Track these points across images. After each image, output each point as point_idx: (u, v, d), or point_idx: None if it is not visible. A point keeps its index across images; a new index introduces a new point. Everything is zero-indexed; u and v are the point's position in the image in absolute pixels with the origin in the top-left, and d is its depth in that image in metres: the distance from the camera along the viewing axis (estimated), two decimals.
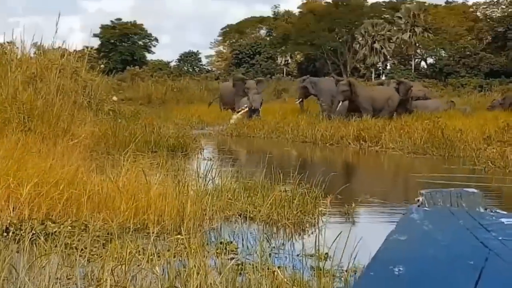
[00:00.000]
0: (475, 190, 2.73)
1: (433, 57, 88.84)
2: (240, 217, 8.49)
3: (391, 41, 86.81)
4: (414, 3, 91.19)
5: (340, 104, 27.12)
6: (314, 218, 8.77)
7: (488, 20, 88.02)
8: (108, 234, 6.66)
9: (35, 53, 16.28)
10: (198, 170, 9.98)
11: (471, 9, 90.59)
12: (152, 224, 7.18)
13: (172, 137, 17.13)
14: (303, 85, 28.52)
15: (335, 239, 5.77)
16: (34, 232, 6.45)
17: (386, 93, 28.13)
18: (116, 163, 9.45)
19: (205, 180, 9.44)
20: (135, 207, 7.36)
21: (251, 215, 8.51)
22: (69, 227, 6.81)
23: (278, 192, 9.02)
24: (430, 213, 2.51)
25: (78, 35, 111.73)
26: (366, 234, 6.57)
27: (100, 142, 13.41)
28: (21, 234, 6.37)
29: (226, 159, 16.22)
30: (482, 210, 2.68)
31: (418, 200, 2.75)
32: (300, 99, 28.95)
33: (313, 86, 28.18)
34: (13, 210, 7.04)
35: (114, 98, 22.82)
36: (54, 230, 6.72)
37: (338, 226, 8.68)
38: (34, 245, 5.97)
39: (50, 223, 6.94)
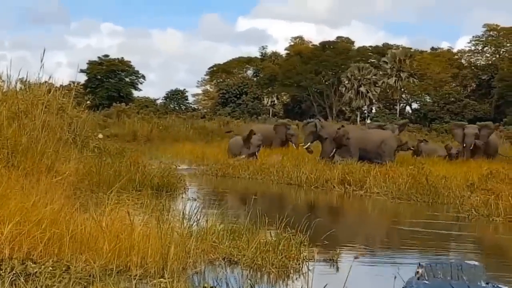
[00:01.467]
0: (477, 263, 2.68)
1: (418, 102, 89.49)
2: (224, 260, 8.40)
3: (376, 85, 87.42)
4: (400, 48, 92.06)
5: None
6: (299, 264, 8.69)
7: (473, 67, 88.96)
8: (90, 276, 6.55)
9: (21, 88, 16.17)
10: (183, 211, 9.87)
11: (456, 57, 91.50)
12: (135, 267, 7.08)
13: (157, 176, 17.04)
14: (312, 130, 27.75)
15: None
16: (15, 272, 6.33)
17: (379, 136, 27.56)
18: (100, 201, 9.35)
19: (190, 221, 9.35)
20: (118, 248, 7.26)
21: (236, 259, 8.42)
22: (50, 268, 6.70)
23: (263, 236, 8.95)
24: (430, 287, 2.46)
25: (65, 70, 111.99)
26: (351, 282, 6.50)
27: (84, 180, 13.29)
28: (0, 274, 6.25)
29: (211, 200, 16.12)
30: (483, 284, 2.63)
31: (418, 272, 2.70)
32: (309, 144, 28.04)
33: (322, 129, 27.61)
34: None
35: (100, 135, 22.68)
36: (35, 270, 6.60)
37: (323, 272, 8.60)
38: (14, 286, 5.86)
39: (31, 263, 6.82)
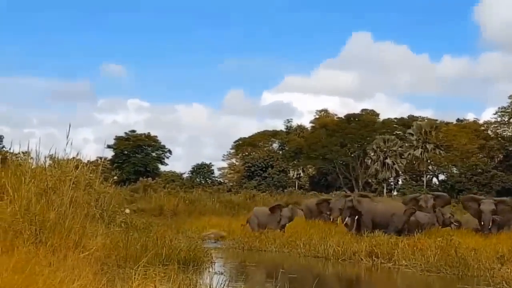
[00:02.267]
0: None
1: (444, 173, 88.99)
2: None
3: (402, 157, 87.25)
4: (426, 120, 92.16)
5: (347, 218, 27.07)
6: None
7: (499, 138, 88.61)
8: None
9: (49, 164, 16.36)
10: (210, 285, 9.83)
11: (482, 128, 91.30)
12: None
13: (183, 250, 17.00)
14: (351, 205, 27.55)
15: None
16: None
17: (391, 208, 27.46)
18: (127, 276, 9.35)
19: None
20: None
21: None
22: None
23: None
24: None
25: (92, 146, 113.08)
26: None
27: (111, 255, 13.30)
28: None
29: (238, 273, 16.02)
30: None
31: None
32: (346, 218, 27.71)
33: (359, 204, 27.44)
34: None
35: (127, 210, 22.77)
36: None
37: None
38: None
39: None
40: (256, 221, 30.45)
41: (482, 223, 27.24)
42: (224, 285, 9.92)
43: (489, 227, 26.91)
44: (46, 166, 15.66)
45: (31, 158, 16.05)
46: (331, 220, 31.55)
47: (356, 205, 27.13)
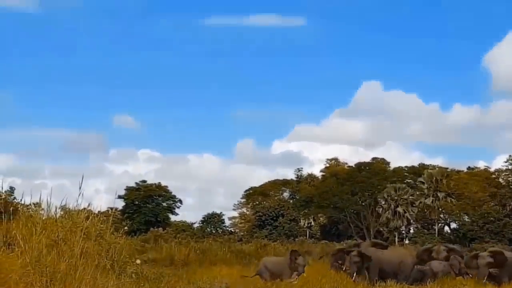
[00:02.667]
0: None
1: (456, 222, 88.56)
2: None
3: (414, 205, 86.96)
4: (437, 168, 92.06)
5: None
6: None
7: (511, 186, 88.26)
8: None
9: (60, 215, 16.42)
10: None
11: (493, 176, 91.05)
12: None
13: None
14: (357, 260, 27.23)
15: None
16: None
17: (398, 256, 27.26)
18: None
19: None
20: None
21: None
22: None
23: None
24: None
25: (103, 196, 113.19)
26: None
27: None
28: None
29: None
30: None
31: None
32: (354, 273, 27.37)
33: (366, 253, 27.18)
34: None
35: (138, 261, 22.70)
36: None
37: None
38: None
39: None
40: (267, 272, 30.03)
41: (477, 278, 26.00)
42: None
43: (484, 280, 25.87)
44: (57, 217, 15.73)
45: (42, 209, 16.13)
46: (344, 269, 31.26)
47: (364, 254, 26.94)
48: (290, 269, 29.28)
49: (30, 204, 18.25)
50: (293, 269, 29.02)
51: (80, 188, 14.28)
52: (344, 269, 30.34)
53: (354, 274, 26.81)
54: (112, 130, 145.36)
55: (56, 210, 16.07)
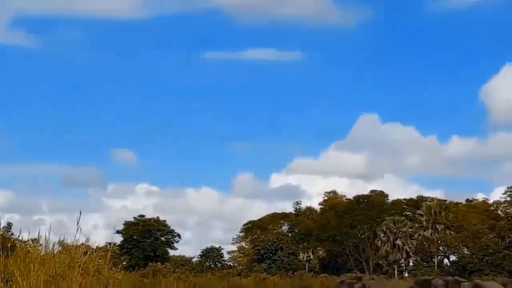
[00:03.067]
0: None
1: (455, 254, 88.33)
2: None
3: (413, 238, 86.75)
4: (435, 201, 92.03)
5: None
6: None
7: (510, 218, 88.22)
8: None
9: (58, 250, 16.43)
10: None
11: (492, 208, 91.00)
12: None
13: None
14: None
15: None
16: None
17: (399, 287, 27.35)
18: None
19: None
20: None
21: None
22: None
23: None
24: None
25: (101, 231, 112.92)
26: None
27: None
28: None
29: None
30: None
31: None
32: None
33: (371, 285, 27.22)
34: None
35: None
36: None
37: None
38: None
39: None
40: None
41: None
42: None
43: None
44: (55, 252, 15.73)
45: (40, 245, 16.13)
46: None
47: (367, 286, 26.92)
48: None
49: (28, 240, 18.26)
50: None
51: (78, 223, 14.29)
52: None
53: None
54: (110, 164, 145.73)
55: (54, 246, 16.09)
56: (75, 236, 15.37)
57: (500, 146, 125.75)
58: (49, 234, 15.75)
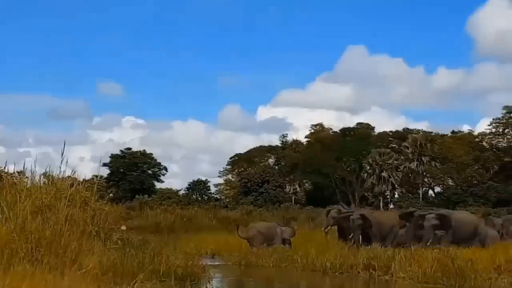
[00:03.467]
0: None
1: (440, 186, 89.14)
2: None
3: (398, 170, 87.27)
4: (421, 133, 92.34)
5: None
6: None
7: (495, 150, 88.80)
8: None
9: (44, 182, 16.37)
10: None
11: (477, 139, 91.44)
12: None
13: (180, 266, 16.99)
14: (361, 222, 27.24)
15: None
16: None
17: (391, 219, 27.45)
18: None
19: None
20: None
21: None
22: None
23: None
24: None
25: (88, 164, 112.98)
26: None
27: (108, 272, 13.29)
28: None
29: None
30: None
31: None
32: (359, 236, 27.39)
33: (371, 217, 27.33)
34: None
35: (123, 227, 22.78)
36: None
37: None
38: None
39: None
40: (260, 237, 29.68)
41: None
42: None
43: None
44: (41, 184, 15.68)
45: (26, 177, 16.08)
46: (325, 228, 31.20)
47: (369, 218, 26.98)
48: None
49: (14, 172, 18.21)
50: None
51: (62, 154, 14.19)
52: (325, 228, 30.43)
53: (360, 237, 26.68)
54: (96, 97, 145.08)
55: (40, 178, 16.04)
56: (60, 168, 15.30)
57: (486, 78, 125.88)
58: (35, 166, 15.69)
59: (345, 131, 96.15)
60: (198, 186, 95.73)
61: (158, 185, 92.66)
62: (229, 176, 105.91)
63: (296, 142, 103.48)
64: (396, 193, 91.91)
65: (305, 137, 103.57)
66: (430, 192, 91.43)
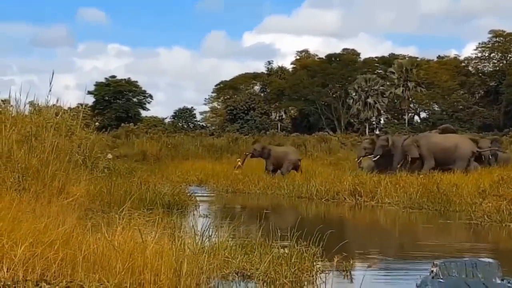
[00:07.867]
0: (491, 260, 2.67)
1: (426, 111, 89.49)
2: (238, 275, 8.40)
3: (384, 96, 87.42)
4: (407, 58, 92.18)
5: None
6: (313, 276, 8.68)
7: (480, 74, 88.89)
8: None
9: (30, 111, 16.25)
10: (195, 227, 9.85)
11: (463, 64, 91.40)
12: (149, 284, 7.08)
13: (167, 194, 17.04)
14: (385, 143, 27.37)
15: None
16: None
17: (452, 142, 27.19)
18: (111, 221, 9.33)
19: (202, 237, 9.33)
20: (131, 266, 7.24)
21: (249, 273, 8.42)
22: None
23: (275, 250, 8.94)
24: (445, 285, 2.45)
25: (73, 92, 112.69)
26: None
27: (95, 200, 13.33)
28: None
29: (222, 216, 16.12)
30: (499, 281, 2.62)
31: (432, 271, 2.69)
32: (378, 156, 27.49)
33: (393, 143, 27.42)
34: (7, 271, 6.94)
35: (109, 156, 22.77)
36: None
37: (337, 283, 8.60)
38: None
39: (45, 284, 6.84)
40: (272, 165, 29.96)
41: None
42: (208, 226, 9.97)
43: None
44: (27, 113, 15.57)
45: (11, 106, 15.94)
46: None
47: (390, 144, 27.19)
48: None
49: None
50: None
51: (50, 83, 14.06)
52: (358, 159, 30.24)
53: (378, 156, 27.05)
54: (80, 24, 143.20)
55: (25, 106, 15.91)
56: (47, 97, 15.18)
57: (473, 1, 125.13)
58: (20, 95, 15.55)
59: (331, 57, 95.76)
60: (183, 114, 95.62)
61: (143, 113, 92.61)
62: (215, 104, 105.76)
63: (281, 69, 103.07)
64: (381, 119, 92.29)
65: (291, 63, 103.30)
66: (416, 117, 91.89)
